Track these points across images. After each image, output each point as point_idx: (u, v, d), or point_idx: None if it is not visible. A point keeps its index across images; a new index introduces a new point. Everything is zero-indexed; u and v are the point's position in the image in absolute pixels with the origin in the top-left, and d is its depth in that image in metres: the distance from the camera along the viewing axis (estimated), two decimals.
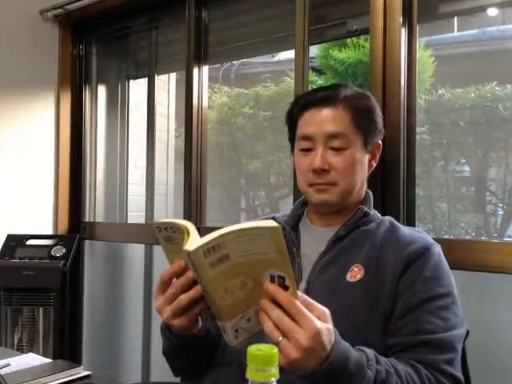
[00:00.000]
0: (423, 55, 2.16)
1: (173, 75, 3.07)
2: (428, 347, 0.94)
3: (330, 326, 0.79)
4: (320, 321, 0.76)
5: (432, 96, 2.26)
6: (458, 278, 1.06)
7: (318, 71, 2.77)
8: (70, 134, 2.55)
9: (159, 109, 2.77)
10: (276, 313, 0.75)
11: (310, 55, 1.81)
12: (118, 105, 2.71)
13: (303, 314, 0.75)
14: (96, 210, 2.65)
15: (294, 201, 1.33)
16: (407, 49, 1.57)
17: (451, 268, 1.05)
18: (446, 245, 1.14)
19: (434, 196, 2.26)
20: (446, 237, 2.30)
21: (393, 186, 1.55)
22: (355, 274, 1.03)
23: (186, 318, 0.86)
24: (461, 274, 1.26)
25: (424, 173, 2.11)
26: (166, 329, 0.97)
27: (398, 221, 1.16)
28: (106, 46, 2.69)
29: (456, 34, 2.54)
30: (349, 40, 2.53)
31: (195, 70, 2.15)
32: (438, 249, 1.06)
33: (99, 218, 2.64)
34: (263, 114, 3.20)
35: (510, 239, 2.24)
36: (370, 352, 0.86)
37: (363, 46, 2.49)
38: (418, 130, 1.64)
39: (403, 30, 1.57)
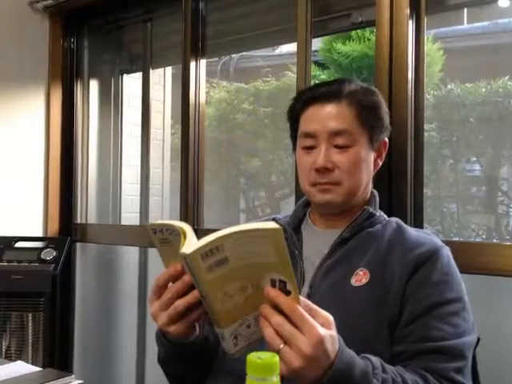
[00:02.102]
0: (432, 48, 2.16)
1: (169, 69, 3.07)
2: (437, 355, 0.94)
3: (334, 332, 0.78)
4: (323, 327, 0.76)
5: (441, 91, 2.26)
6: (467, 282, 1.06)
7: (321, 65, 2.77)
8: (60, 131, 2.55)
9: (154, 105, 2.77)
10: (277, 319, 0.75)
11: (313, 48, 1.82)
12: (111, 101, 2.71)
13: (306, 320, 0.75)
14: (88, 210, 2.65)
15: (296, 201, 1.33)
16: (415, 42, 1.57)
17: (461, 272, 1.05)
18: (456, 247, 1.14)
19: (443, 196, 2.26)
20: (456, 239, 2.30)
21: (400, 185, 1.55)
22: (360, 278, 1.03)
23: (182, 324, 0.86)
24: (471, 278, 1.26)
25: (432, 172, 2.11)
26: (162, 336, 0.97)
27: (405, 222, 1.16)
28: (99, 38, 2.69)
29: (466, 26, 2.54)
30: (353, 32, 2.53)
31: (192, 64, 2.15)
32: (447, 251, 1.06)
33: (91, 220, 2.64)
34: (263, 110, 3.20)
35: None
36: (376, 360, 0.86)
37: (368, 39, 2.49)
38: (426, 126, 1.64)
39: (411, 21, 1.57)
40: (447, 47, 2.26)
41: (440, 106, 2.22)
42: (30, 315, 2.11)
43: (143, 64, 2.61)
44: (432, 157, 2.05)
